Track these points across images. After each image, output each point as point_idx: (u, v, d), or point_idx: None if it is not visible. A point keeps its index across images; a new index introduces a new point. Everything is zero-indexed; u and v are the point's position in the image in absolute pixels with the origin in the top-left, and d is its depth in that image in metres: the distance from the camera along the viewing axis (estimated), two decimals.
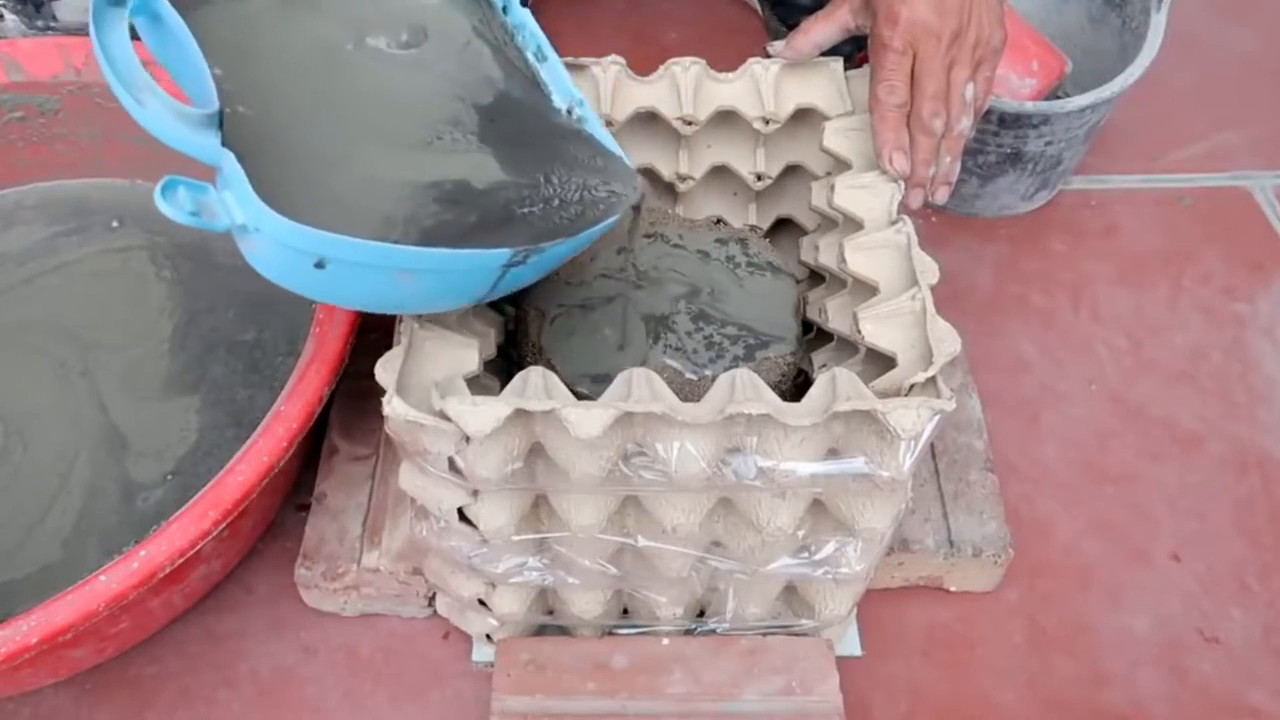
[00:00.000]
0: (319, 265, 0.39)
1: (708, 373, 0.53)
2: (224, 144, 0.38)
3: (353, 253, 0.38)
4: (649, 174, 0.63)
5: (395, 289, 0.41)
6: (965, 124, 0.55)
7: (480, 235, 0.43)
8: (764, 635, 0.56)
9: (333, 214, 0.40)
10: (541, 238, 0.44)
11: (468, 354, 0.47)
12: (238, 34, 0.44)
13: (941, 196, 0.57)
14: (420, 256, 0.40)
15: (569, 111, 0.53)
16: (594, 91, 0.60)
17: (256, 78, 0.43)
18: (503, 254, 0.41)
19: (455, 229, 0.43)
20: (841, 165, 0.58)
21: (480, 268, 0.42)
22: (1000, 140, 0.75)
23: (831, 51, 0.60)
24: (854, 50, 0.64)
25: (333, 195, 0.42)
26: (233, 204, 0.37)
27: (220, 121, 0.39)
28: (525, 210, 0.46)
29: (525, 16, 0.55)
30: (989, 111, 0.72)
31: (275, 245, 0.38)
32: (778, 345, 0.55)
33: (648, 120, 0.61)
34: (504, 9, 0.55)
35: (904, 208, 0.55)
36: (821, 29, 0.59)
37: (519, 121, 0.51)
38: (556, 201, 0.47)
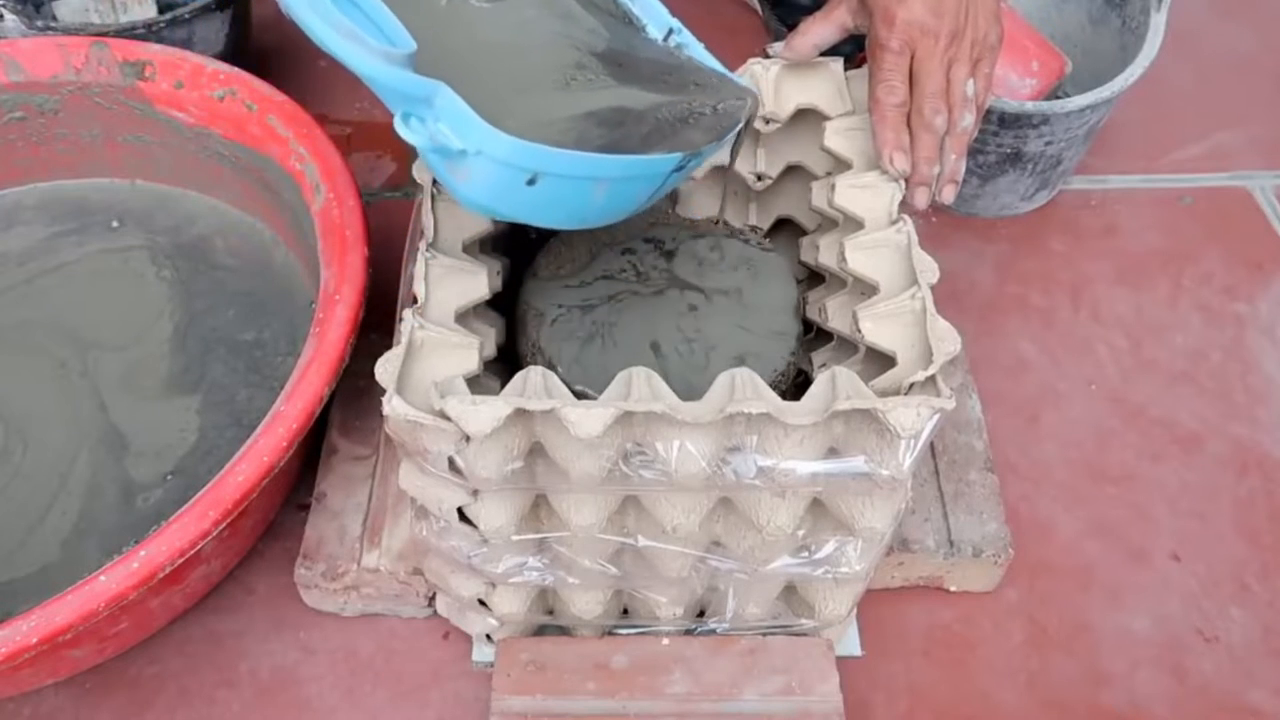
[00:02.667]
0: (531, 182, 0.42)
1: (707, 372, 0.53)
2: None
3: (566, 165, 0.43)
4: None
5: (589, 200, 0.46)
6: (968, 121, 0.55)
7: (644, 148, 0.47)
8: (764, 635, 0.56)
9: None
10: (694, 145, 0.48)
11: (468, 354, 0.47)
12: None
13: (949, 196, 0.56)
14: (617, 164, 0.45)
15: (667, 38, 0.56)
16: None
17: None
18: (674, 158, 0.47)
19: (622, 145, 0.47)
20: (842, 165, 0.58)
21: (657, 173, 0.47)
22: (1000, 140, 0.75)
23: (832, 51, 0.60)
24: (854, 50, 0.64)
25: (512, 128, 0.45)
26: (449, 132, 0.40)
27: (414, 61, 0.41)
28: (672, 124, 0.49)
29: None
30: (989, 111, 0.72)
31: (494, 165, 0.41)
32: (777, 345, 0.55)
33: None
34: None
35: (910, 207, 0.55)
36: (820, 29, 0.59)
37: (631, 54, 0.53)
38: (691, 116, 0.50)
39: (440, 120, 0.40)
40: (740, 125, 0.52)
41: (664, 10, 0.56)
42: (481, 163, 0.41)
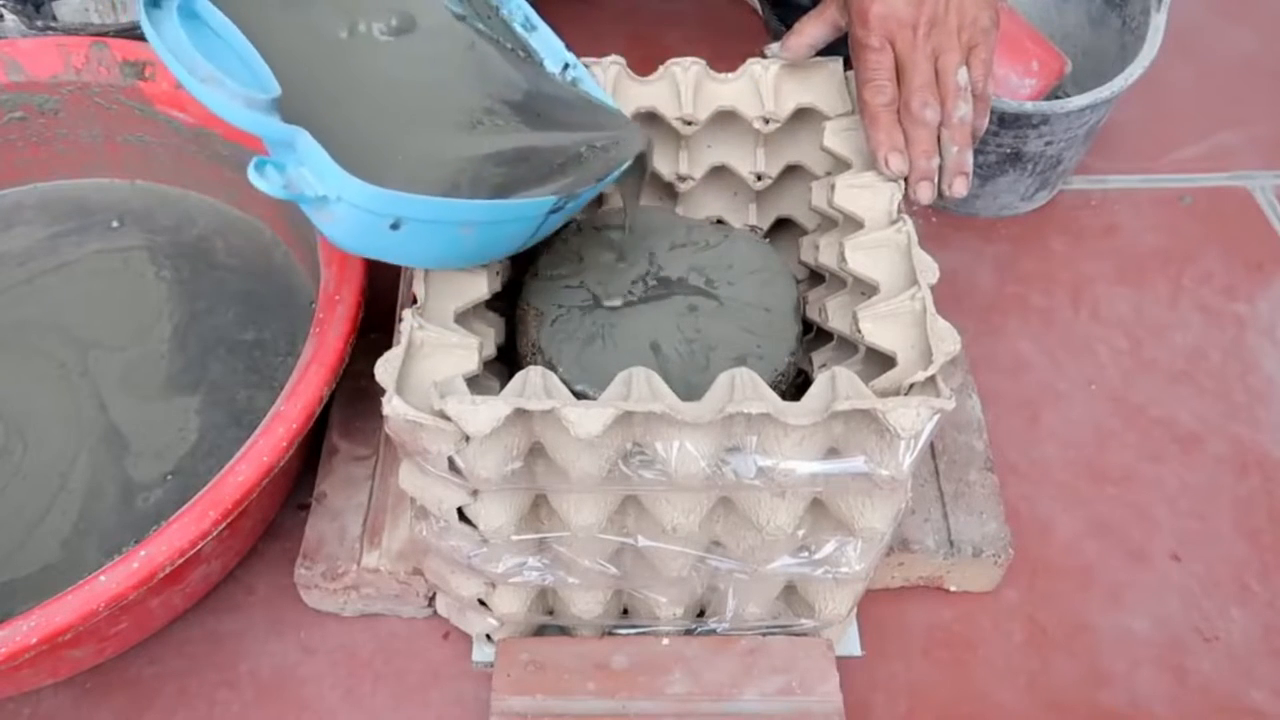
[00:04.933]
0: (394, 226, 0.42)
1: (707, 372, 0.53)
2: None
3: (426, 210, 0.43)
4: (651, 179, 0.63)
5: (458, 243, 0.46)
6: (964, 110, 0.54)
7: (524, 190, 0.48)
8: (764, 635, 0.56)
9: (398, 183, 0.44)
10: (573, 187, 0.49)
11: (468, 354, 0.47)
12: (242, 25, 0.45)
13: (960, 188, 0.55)
14: (482, 209, 0.45)
15: (564, 74, 0.57)
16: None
17: (276, 66, 0.45)
18: (548, 202, 0.47)
19: (501, 188, 0.48)
20: (841, 165, 0.58)
21: (530, 215, 0.48)
22: (1000, 140, 0.75)
23: (831, 51, 0.60)
24: None
25: (388, 170, 0.45)
26: (310, 177, 0.40)
27: (279, 105, 0.41)
28: (556, 166, 0.50)
29: None
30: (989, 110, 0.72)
31: (353, 210, 0.41)
32: (777, 345, 0.55)
33: (648, 120, 0.61)
34: None
35: (914, 203, 0.54)
36: (814, 29, 0.59)
37: (533, 93, 0.54)
38: (572, 156, 0.51)
39: (303, 164, 0.40)
40: (626, 164, 0.52)
41: (560, 44, 0.57)
42: (343, 208, 0.41)
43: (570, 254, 0.59)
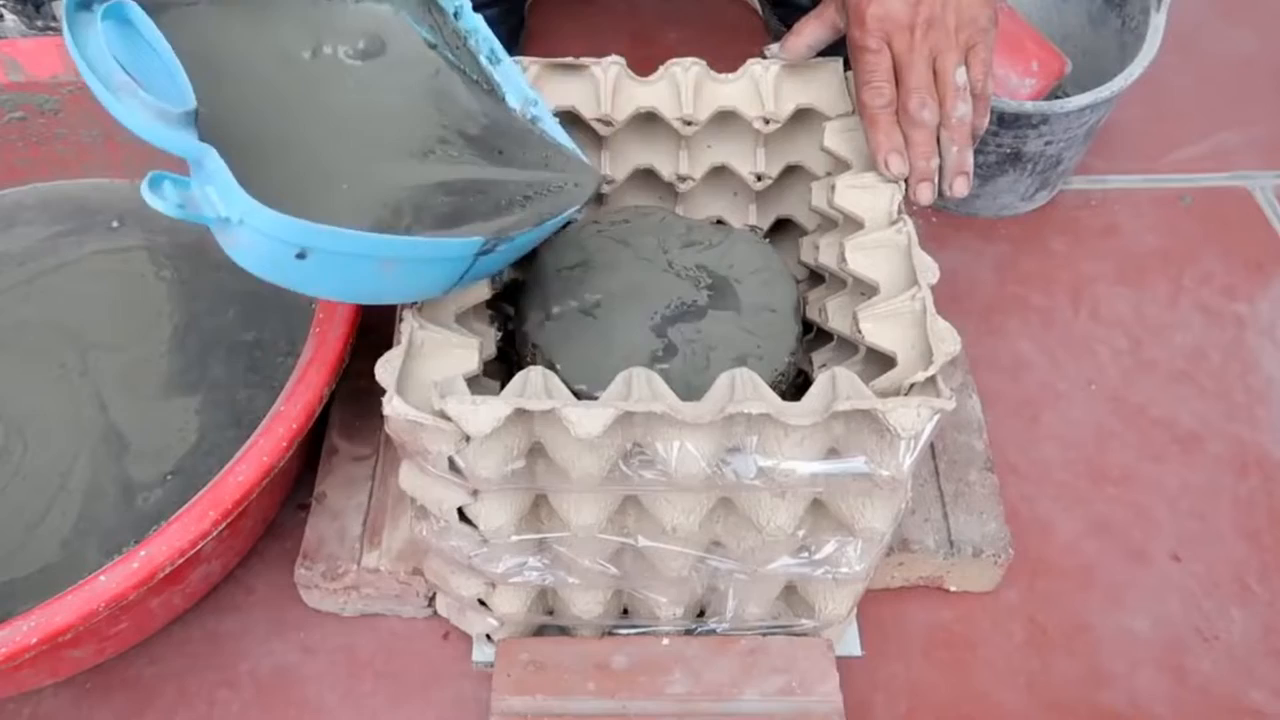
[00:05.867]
0: (300, 255, 0.40)
1: (708, 372, 0.53)
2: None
3: (334, 242, 0.40)
4: (649, 174, 0.63)
5: (375, 278, 0.43)
6: (963, 110, 0.54)
7: (452, 228, 0.46)
8: (764, 635, 0.56)
9: (314, 212, 0.42)
10: (508, 229, 0.47)
11: (468, 354, 0.47)
12: (196, 40, 0.45)
13: (961, 188, 0.55)
14: (400, 245, 0.42)
15: (525, 111, 0.56)
16: (594, 91, 0.60)
17: (221, 83, 0.44)
18: (475, 243, 0.44)
19: (445, 220, 0.46)
20: (841, 165, 0.58)
21: (455, 256, 0.45)
22: (1000, 140, 0.75)
23: (831, 51, 0.60)
24: None
25: (328, 194, 0.43)
26: (215, 197, 0.38)
27: (195, 120, 0.40)
28: (493, 205, 0.49)
29: (477, 21, 0.56)
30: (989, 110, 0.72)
31: (257, 236, 0.39)
32: (777, 345, 0.55)
33: (648, 120, 0.61)
34: (455, 14, 0.56)
35: (914, 204, 0.54)
36: (813, 30, 0.59)
37: (481, 125, 0.53)
38: (520, 196, 0.50)
39: (209, 184, 0.39)
40: (575, 209, 0.51)
41: (524, 81, 0.56)
42: (246, 232, 0.39)
43: (571, 253, 0.59)
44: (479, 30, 0.56)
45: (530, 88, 0.56)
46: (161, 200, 0.37)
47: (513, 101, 0.56)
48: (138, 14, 0.41)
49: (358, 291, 0.46)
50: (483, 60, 0.55)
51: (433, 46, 0.54)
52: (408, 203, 0.46)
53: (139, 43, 0.41)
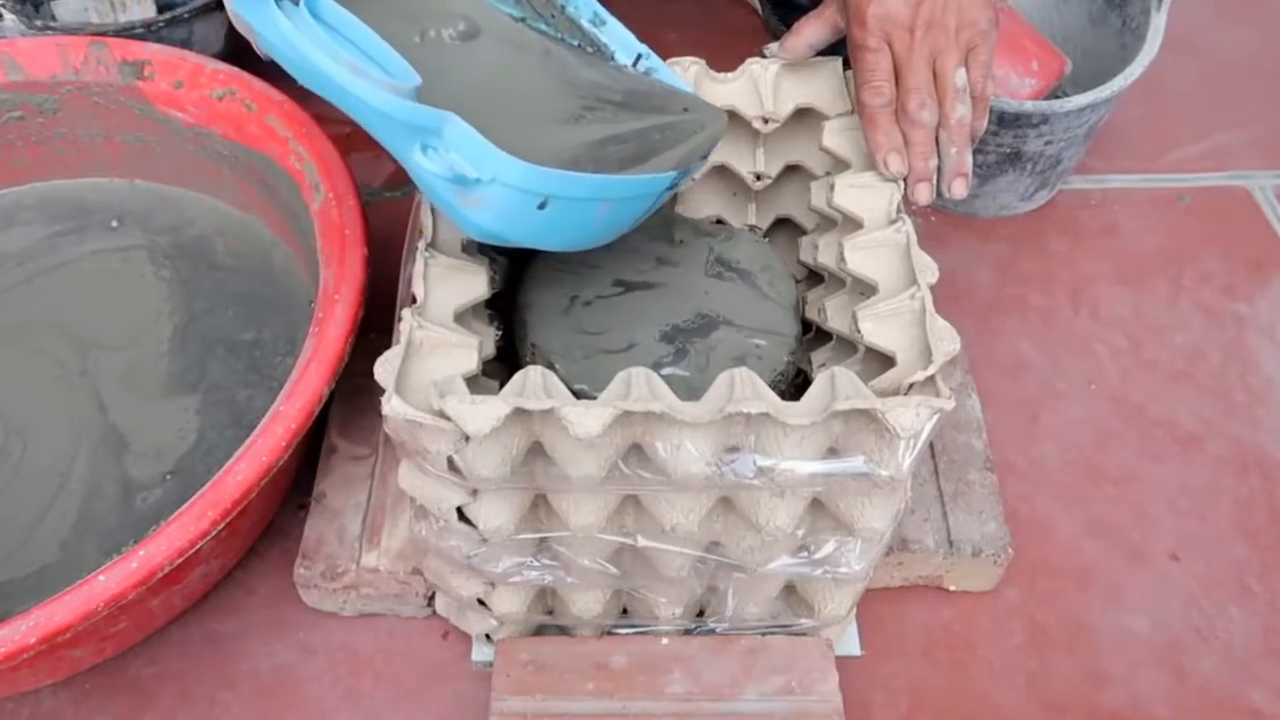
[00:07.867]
0: (541, 206, 0.43)
1: (706, 373, 0.53)
2: None
3: (577, 187, 0.44)
4: None
5: (592, 221, 0.47)
6: (962, 111, 0.54)
7: (641, 168, 0.48)
8: (764, 635, 0.56)
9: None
10: (688, 161, 0.50)
11: (467, 354, 0.47)
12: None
13: (959, 189, 0.55)
14: (624, 184, 0.46)
15: (638, 64, 0.57)
16: None
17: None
18: (669, 176, 0.48)
19: (623, 165, 0.48)
20: (841, 165, 0.58)
21: (654, 191, 0.49)
22: (1000, 140, 0.75)
23: (831, 50, 0.60)
24: None
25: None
26: (460, 161, 0.41)
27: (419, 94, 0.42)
28: (656, 146, 0.51)
29: None
30: (989, 111, 0.72)
31: (506, 192, 0.42)
32: (777, 345, 0.55)
33: None
34: None
35: (913, 204, 0.54)
36: (813, 29, 0.59)
37: (613, 88, 0.54)
38: (673, 138, 0.52)
39: (451, 149, 0.41)
40: (719, 139, 0.53)
41: (631, 36, 0.57)
42: (495, 189, 0.42)
43: (569, 252, 0.59)
44: None
45: (638, 40, 0.57)
46: (435, 164, 0.40)
47: (623, 57, 0.57)
48: (329, 5, 0.43)
49: (573, 237, 0.49)
50: (585, 24, 0.56)
51: (520, 20, 0.55)
52: (584, 157, 0.47)
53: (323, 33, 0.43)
